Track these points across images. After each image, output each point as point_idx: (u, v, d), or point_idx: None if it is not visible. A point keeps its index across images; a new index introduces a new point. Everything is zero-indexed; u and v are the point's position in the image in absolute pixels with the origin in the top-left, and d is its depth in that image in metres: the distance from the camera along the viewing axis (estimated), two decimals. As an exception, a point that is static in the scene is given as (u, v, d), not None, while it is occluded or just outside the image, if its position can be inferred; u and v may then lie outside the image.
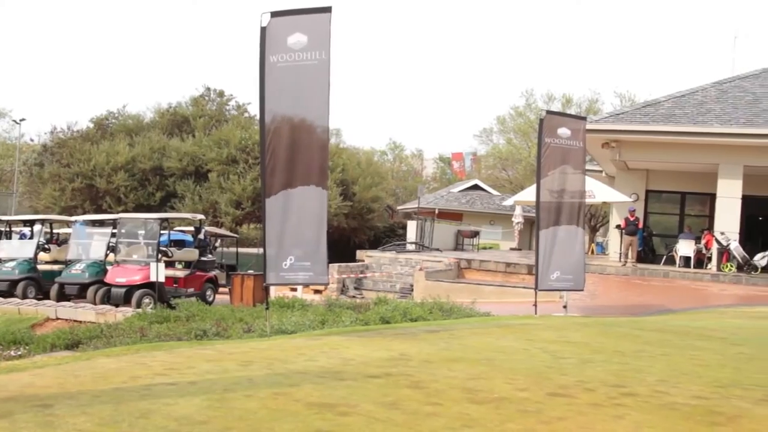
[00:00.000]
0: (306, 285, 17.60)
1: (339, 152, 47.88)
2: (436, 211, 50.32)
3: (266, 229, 10.25)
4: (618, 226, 27.54)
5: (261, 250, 10.95)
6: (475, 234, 39.34)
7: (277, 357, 7.23)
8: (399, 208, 59.47)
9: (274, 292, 18.34)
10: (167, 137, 46.10)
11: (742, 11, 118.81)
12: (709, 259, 25.92)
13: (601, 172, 32.77)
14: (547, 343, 8.48)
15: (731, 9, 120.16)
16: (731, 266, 24.36)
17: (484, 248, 41.01)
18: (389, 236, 45.88)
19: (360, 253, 30.35)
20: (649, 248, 28.76)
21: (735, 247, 24.24)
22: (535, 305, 13.67)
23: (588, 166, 29.38)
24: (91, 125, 49.54)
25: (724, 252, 24.63)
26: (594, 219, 47.67)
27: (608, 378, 6.36)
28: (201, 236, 24.26)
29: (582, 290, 14.74)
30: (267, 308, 11.34)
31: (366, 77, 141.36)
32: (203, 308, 16.89)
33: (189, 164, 43.06)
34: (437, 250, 31.99)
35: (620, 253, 26.46)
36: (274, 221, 10.25)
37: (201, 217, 26.38)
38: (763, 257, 24.30)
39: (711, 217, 26.69)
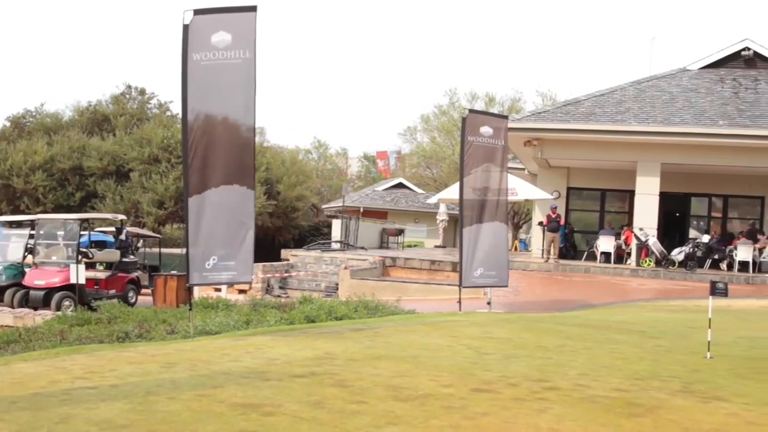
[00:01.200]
0: (230, 284, 17.44)
1: (263, 151, 47.55)
2: (361, 210, 50.39)
3: (188, 229, 10.14)
4: (540, 223, 27.92)
5: (184, 251, 10.81)
6: (400, 232, 39.45)
7: (201, 358, 7.15)
8: (324, 206, 59.35)
9: (197, 293, 18.12)
10: (87, 136, 45.17)
11: (660, 12, 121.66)
12: (629, 254, 26.47)
13: (523, 169, 33.18)
14: (471, 340, 8.55)
15: (649, 10, 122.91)
16: (650, 261, 24.91)
17: (409, 246, 41.18)
18: (314, 235, 45.72)
19: (285, 252, 30.19)
20: (571, 244, 29.23)
21: (653, 242, 24.80)
22: (460, 302, 13.77)
23: (510, 164, 29.70)
24: (8, 124, 48.35)
25: (643, 247, 25.18)
26: (517, 216, 48.27)
27: (531, 373, 6.45)
28: (122, 237, 23.84)
29: (506, 286, 14.91)
30: (190, 309, 11.22)
31: (290, 75, 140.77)
32: (125, 310, 16.59)
33: (110, 164, 42.28)
34: (362, 248, 32.00)
35: (543, 250, 26.83)
36: (197, 221, 10.14)
37: (122, 217, 25.94)
38: (680, 252, 24.90)
39: (630, 213, 27.26)
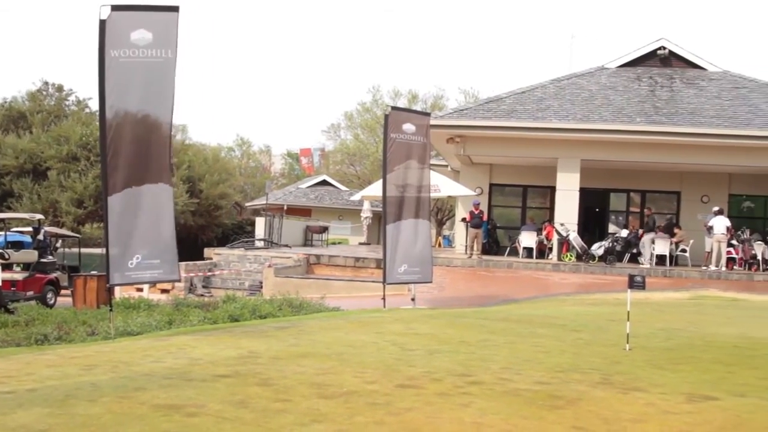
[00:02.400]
0: (155, 283, 17.20)
1: (185, 149, 47.03)
2: (285, 207, 50.20)
3: (108, 229, 9.98)
4: (463, 220, 28.14)
5: (104, 250, 10.62)
6: (324, 229, 39.42)
7: (122, 359, 7.04)
8: (247, 204, 58.97)
9: (118, 293, 17.85)
10: (2, 134, 43.94)
11: (579, 11, 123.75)
12: (550, 249, 26.88)
13: (446, 166, 33.42)
14: (395, 336, 8.58)
15: (569, 9, 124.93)
16: (571, 256, 25.33)
17: (333, 243, 41.17)
18: (238, 233, 45.36)
19: (208, 251, 29.88)
20: (494, 240, 29.54)
21: (574, 237, 25.21)
22: (384, 299, 13.81)
23: (433, 161, 29.91)
24: None
25: (564, 242, 25.58)
26: (440, 213, 48.57)
27: (455, 368, 6.50)
28: (40, 237, 23.29)
29: (429, 282, 14.99)
30: (111, 310, 11.05)
31: (213, 72, 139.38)
32: (44, 312, 16.25)
33: (26, 162, 41.24)
34: (286, 246, 31.86)
35: (466, 246, 27.05)
36: (117, 220, 9.98)
37: (40, 216, 25.35)
38: (600, 247, 25.37)
39: (551, 209, 27.67)
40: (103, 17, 9.81)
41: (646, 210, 27.78)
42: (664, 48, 30.59)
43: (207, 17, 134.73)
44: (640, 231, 26.20)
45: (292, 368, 6.44)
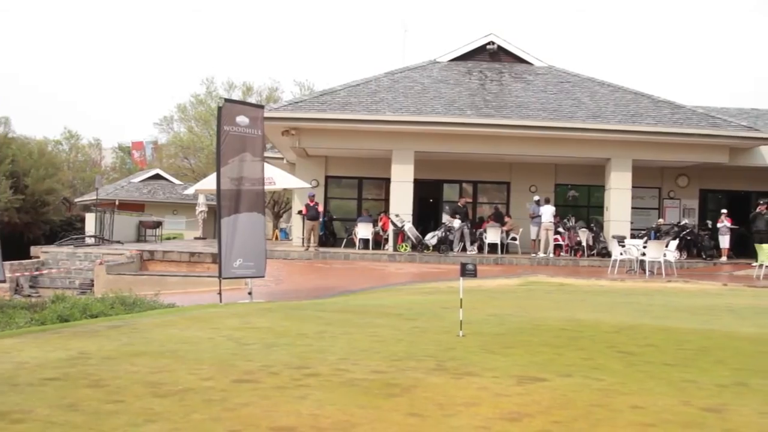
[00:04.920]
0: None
1: (8, 142, 45.03)
2: (117, 203, 48.80)
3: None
4: (300, 212, 28.18)
5: None
6: (158, 224, 38.66)
7: (-60, 366, 6.65)
8: (77, 200, 56.99)
9: (-64, 296, 16.88)
10: None
11: (412, 5, 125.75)
12: (386, 240, 27.27)
13: (282, 159, 33.33)
14: (232, 331, 8.49)
15: (402, 2, 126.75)
16: (406, 246, 25.77)
17: (168, 239, 40.43)
18: (67, 230, 43.85)
19: (35, 249, 28.65)
20: (330, 232, 29.72)
21: (409, 228, 25.66)
22: (220, 293, 13.63)
23: (269, 154, 29.86)
24: None
25: (400, 233, 26.01)
26: (277, 206, 48.43)
27: (292, 360, 6.49)
28: None
29: (264, 276, 14.91)
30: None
31: (37, 62, 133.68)
32: None
33: None
34: (118, 242, 31.02)
35: (303, 238, 27.07)
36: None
37: None
38: (433, 236, 25.94)
39: (387, 200, 28.07)
40: None
41: (460, 200, 28.37)
42: (493, 43, 31.55)
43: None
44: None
45: (124, 368, 6.26)
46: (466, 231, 26.56)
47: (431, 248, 25.65)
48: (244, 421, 4.60)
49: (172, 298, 14.82)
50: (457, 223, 26.97)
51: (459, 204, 27.62)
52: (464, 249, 26.37)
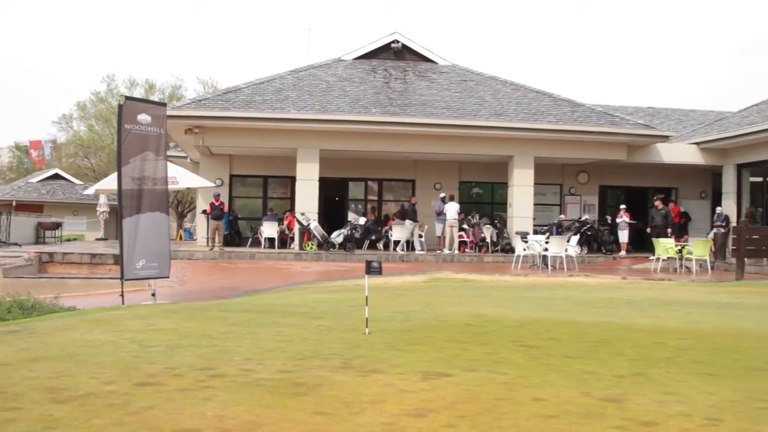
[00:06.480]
0: None
1: None
2: (14, 204, 47.43)
3: None
4: (204, 212, 27.87)
5: None
6: (58, 225, 37.75)
7: None
8: (-30, 201, 55.24)
9: None
10: None
11: (317, 3, 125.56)
12: (292, 239, 27.18)
13: (185, 158, 32.88)
14: (134, 333, 8.33)
15: (306, 1, 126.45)
16: (312, 245, 25.72)
17: (68, 240, 39.52)
18: (-40, 233, 42.32)
19: (-76, 254, 27.65)
20: (236, 231, 29.50)
21: (315, 226, 25.63)
22: (122, 295, 13.37)
23: (172, 153, 29.43)
24: None
25: (306, 231, 25.94)
26: (181, 205, 47.81)
27: (196, 362, 6.40)
28: None
29: (167, 277, 14.69)
30: None
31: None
32: None
33: None
34: (15, 244, 30.14)
35: (207, 238, 26.80)
36: None
37: None
38: (339, 234, 25.98)
39: (292, 199, 28.02)
40: None
41: (412, 198, 28.42)
42: (398, 42, 31.74)
43: None
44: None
45: (22, 374, 6.08)
46: (417, 232, 26.58)
47: (337, 246, 25.67)
48: (148, 424, 4.51)
49: (72, 300, 14.50)
50: (363, 220, 27.07)
51: (411, 202, 27.63)
52: (412, 248, 26.38)
